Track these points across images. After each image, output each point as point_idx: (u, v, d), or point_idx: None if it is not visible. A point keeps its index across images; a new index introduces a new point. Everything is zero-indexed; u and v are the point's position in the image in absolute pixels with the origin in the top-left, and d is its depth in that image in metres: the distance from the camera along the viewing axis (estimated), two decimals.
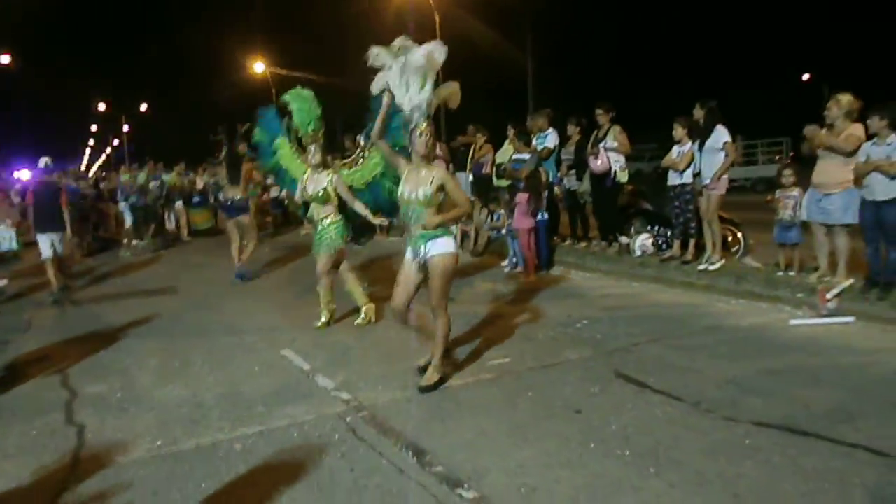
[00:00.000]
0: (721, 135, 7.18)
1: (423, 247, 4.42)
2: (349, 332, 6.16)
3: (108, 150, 68.63)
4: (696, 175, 7.28)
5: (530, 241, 8.38)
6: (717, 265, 7.32)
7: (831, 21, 34.11)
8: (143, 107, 55.85)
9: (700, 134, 7.27)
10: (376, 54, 4.41)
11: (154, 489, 3.33)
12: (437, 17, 27.29)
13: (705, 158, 7.20)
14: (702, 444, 3.57)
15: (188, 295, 8.55)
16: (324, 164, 6.28)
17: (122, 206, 14.33)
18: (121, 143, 60.25)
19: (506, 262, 9.28)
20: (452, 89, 4.59)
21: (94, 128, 66.61)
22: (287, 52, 37.35)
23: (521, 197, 8.33)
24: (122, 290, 9.14)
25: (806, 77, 40.52)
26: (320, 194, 6.20)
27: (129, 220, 14.16)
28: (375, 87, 4.52)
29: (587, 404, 4.20)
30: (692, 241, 7.72)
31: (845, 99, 6.21)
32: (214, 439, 3.90)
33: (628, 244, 8.54)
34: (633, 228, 8.78)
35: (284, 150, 6.72)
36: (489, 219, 10.35)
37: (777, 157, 23.82)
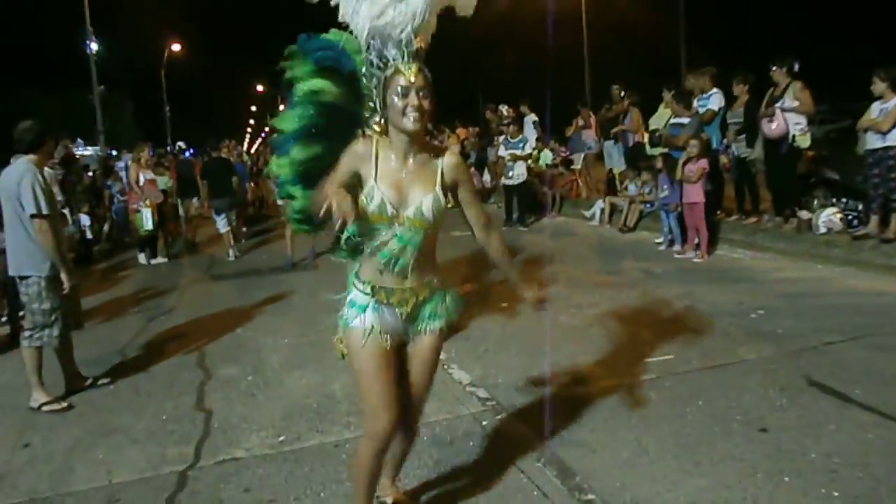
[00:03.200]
0: None
1: (419, 312, 2.35)
2: (489, 318, 5.67)
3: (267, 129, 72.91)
4: None
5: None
6: None
7: None
8: None
9: None
10: None
11: (271, 495, 3.03)
12: None
13: None
14: None
15: (324, 271, 8.46)
16: None
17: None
18: None
19: (660, 239, 8.39)
20: None
21: (253, 108, 70.91)
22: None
23: (694, 167, 7.31)
24: (263, 265, 9.26)
25: None
26: None
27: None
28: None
29: (774, 420, 3.42)
30: (895, 217, 6.45)
31: None
32: (339, 438, 3.57)
33: (810, 219, 7.33)
34: (815, 201, 7.55)
35: None
36: (642, 191, 9.47)
37: None
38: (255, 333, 5.75)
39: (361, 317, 2.31)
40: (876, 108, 6.38)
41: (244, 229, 12.02)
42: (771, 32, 26.92)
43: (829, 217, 7.19)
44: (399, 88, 2.14)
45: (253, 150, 32.75)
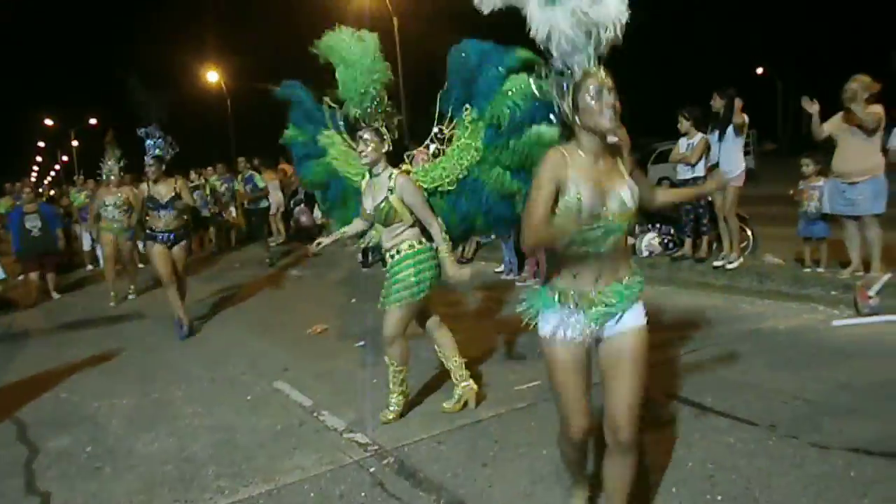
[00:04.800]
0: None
1: (616, 308, 2.37)
2: (349, 357, 5.49)
3: (57, 166, 66.06)
4: (714, 167, 6.80)
5: None
6: (736, 263, 6.86)
7: (783, 15, 34.40)
8: (93, 121, 53.76)
9: (718, 124, 6.79)
10: None
11: None
12: (395, 22, 26.67)
13: (724, 149, 6.73)
14: (801, 481, 3.01)
15: (157, 322, 7.74)
16: (385, 160, 3.94)
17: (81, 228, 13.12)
18: (70, 159, 57.91)
19: (500, 268, 8.71)
20: None
21: (41, 144, 64.06)
22: (242, 61, 36.35)
23: None
24: (81, 318, 8.25)
25: (759, 71, 41.09)
26: (381, 210, 3.89)
27: (86, 244, 12.97)
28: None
29: (648, 436, 3.61)
30: (705, 239, 7.26)
31: (867, 79, 5.80)
32: None
33: (633, 244, 8.04)
34: (636, 228, 8.28)
35: (336, 149, 4.37)
36: None
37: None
38: (83, 397, 5.07)
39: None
40: (683, 143, 7.18)
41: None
42: None
43: (649, 241, 7.93)
44: (592, 90, 2.23)
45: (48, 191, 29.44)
